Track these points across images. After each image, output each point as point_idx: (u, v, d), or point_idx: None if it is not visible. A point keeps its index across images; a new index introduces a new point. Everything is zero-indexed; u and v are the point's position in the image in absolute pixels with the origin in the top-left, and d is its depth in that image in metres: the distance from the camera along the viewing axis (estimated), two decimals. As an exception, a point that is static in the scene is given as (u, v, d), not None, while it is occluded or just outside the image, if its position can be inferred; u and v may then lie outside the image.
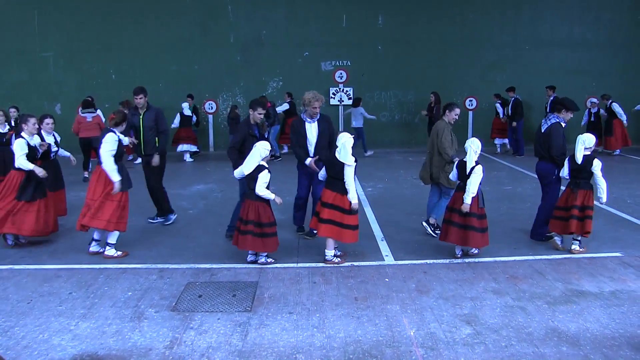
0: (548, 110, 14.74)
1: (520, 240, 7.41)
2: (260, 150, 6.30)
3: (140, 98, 8.24)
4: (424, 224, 7.70)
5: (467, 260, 6.55)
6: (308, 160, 7.21)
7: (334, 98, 16.28)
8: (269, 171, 6.32)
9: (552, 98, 14.44)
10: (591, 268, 6.28)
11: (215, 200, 10.23)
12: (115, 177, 6.63)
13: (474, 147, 6.47)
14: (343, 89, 16.37)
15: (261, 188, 6.20)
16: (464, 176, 6.48)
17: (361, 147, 14.45)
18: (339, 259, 6.54)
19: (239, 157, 6.85)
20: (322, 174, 6.71)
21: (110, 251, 6.80)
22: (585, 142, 6.64)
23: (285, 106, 15.53)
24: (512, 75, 16.56)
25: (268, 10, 16.43)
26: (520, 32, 16.73)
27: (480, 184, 6.41)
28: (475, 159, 6.44)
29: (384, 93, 16.35)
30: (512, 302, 5.36)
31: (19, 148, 7.06)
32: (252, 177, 6.25)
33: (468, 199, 6.31)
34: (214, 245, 7.28)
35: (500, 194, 10.35)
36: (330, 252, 6.51)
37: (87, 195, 6.82)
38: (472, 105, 16.16)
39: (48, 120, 7.82)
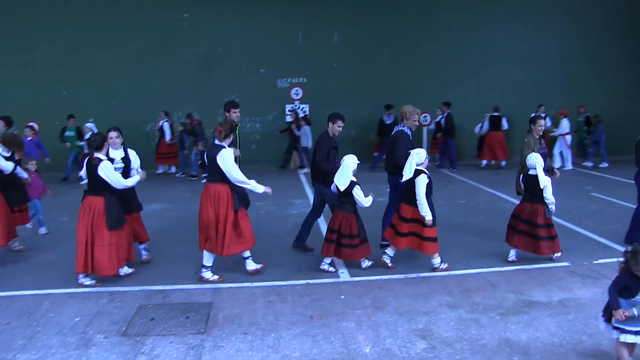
0: (443, 125, 15.31)
1: (475, 253, 7.51)
2: (351, 165, 6.55)
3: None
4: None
5: (422, 275, 6.61)
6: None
7: (289, 115, 16.29)
8: (359, 185, 6.61)
9: (446, 114, 15.18)
10: (541, 278, 6.42)
11: (169, 220, 10.06)
12: (259, 188, 6.53)
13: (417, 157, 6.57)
14: (299, 106, 16.42)
15: (363, 200, 6.54)
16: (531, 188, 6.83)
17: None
18: (446, 265, 6.76)
19: (331, 168, 7.01)
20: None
21: (207, 274, 6.59)
22: None
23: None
24: (466, 91, 16.91)
25: (224, 26, 16.38)
26: (473, 49, 17.05)
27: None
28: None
29: (340, 109, 16.33)
30: (466, 315, 5.42)
31: (112, 169, 6.44)
32: (347, 192, 6.52)
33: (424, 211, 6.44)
34: (168, 266, 7.14)
35: (454, 208, 10.48)
36: (437, 260, 6.73)
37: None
38: (426, 120, 16.36)
39: (112, 134, 6.86)
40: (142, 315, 5.53)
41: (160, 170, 15.47)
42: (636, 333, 4.06)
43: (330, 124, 7.39)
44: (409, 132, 7.45)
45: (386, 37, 16.69)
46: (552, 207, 6.83)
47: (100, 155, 6.41)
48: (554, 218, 7.06)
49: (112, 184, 6.37)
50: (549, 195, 6.76)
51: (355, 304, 5.77)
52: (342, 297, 5.97)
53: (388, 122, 15.23)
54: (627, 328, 4.07)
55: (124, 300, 5.92)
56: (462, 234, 8.49)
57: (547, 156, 7.13)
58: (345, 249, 6.58)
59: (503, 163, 15.42)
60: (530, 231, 6.84)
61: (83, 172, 6.56)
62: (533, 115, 8.28)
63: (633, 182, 7.79)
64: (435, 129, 15.95)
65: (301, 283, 6.42)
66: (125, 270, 6.65)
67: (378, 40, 16.70)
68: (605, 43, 17.52)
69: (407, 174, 6.54)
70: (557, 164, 14.77)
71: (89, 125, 13.80)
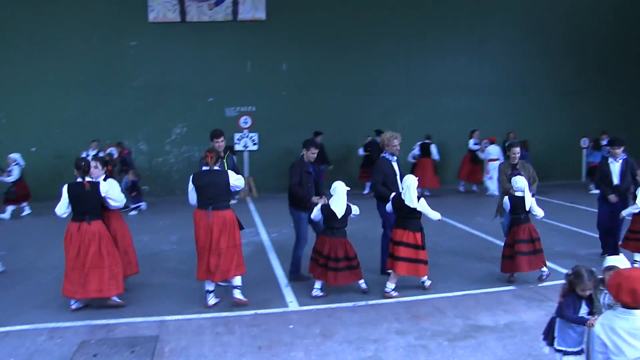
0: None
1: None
2: (344, 190, 6.79)
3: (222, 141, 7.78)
4: None
5: (370, 302, 6.62)
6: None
7: (238, 144, 16.23)
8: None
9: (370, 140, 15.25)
10: (488, 302, 6.52)
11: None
12: None
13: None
14: (248, 135, 16.38)
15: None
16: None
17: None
18: (396, 293, 6.81)
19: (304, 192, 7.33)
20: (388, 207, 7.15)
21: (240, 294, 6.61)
22: None
23: None
24: (411, 119, 17.22)
25: (172, 54, 16.26)
26: (419, 78, 17.46)
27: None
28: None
29: (289, 138, 16.44)
30: (415, 342, 5.44)
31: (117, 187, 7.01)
32: (344, 218, 6.78)
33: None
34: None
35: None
36: (391, 285, 6.84)
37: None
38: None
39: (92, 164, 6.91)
40: (84, 352, 5.32)
41: None
42: (577, 354, 4.14)
43: (305, 150, 7.56)
44: (390, 158, 7.64)
45: (335, 65, 16.90)
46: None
47: (89, 179, 6.55)
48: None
49: (115, 203, 6.75)
50: (538, 211, 7.29)
51: (304, 333, 5.72)
52: (291, 326, 5.91)
53: None
54: (569, 350, 4.15)
55: (64, 337, 5.69)
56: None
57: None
58: (343, 272, 6.69)
59: (426, 192, 15.19)
60: (534, 248, 7.19)
61: (65, 201, 6.44)
62: (508, 143, 8.65)
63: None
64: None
65: (249, 313, 6.33)
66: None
67: (327, 69, 16.90)
68: (541, 75, 18.26)
69: (409, 201, 6.70)
70: (490, 190, 15.20)
71: (12, 156, 13.22)
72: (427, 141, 15.62)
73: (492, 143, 15.58)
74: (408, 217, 6.77)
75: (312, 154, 7.52)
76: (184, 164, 16.09)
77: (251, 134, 16.43)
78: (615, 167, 8.24)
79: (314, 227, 7.50)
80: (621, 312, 3.33)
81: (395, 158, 7.67)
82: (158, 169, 16.05)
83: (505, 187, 7.96)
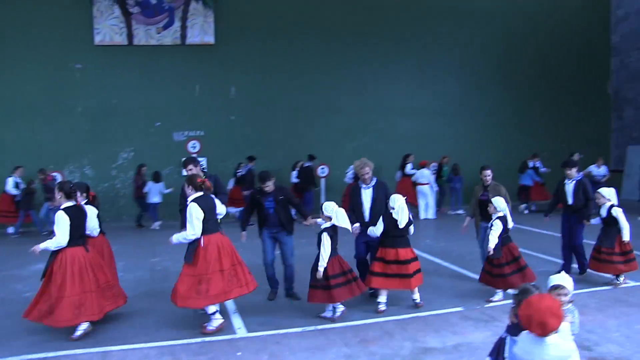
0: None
1: (371, 302, 7.53)
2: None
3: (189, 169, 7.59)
4: None
5: (319, 327, 6.56)
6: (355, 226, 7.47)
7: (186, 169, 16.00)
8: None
9: (248, 167, 15.21)
10: (436, 324, 6.56)
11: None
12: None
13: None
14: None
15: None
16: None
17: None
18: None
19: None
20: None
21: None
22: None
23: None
24: (361, 142, 17.44)
25: (119, 78, 16.01)
26: (367, 101, 17.74)
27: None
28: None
29: (239, 162, 16.34)
30: (363, 366, 5.42)
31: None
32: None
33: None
34: (52, 331, 6.60)
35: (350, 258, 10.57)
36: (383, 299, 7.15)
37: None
38: (324, 172, 16.68)
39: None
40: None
41: (9, 230, 14.30)
42: None
43: (260, 183, 7.76)
44: (361, 185, 7.81)
45: (285, 89, 17.01)
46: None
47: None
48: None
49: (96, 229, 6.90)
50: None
51: (252, 360, 5.62)
52: (239, 353, 5.80)
53: (240, 173, 15.32)
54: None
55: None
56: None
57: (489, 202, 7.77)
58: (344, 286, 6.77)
59: None
60: (519, 266, 7.45)
61: (67, 226, 6.28)
62: (482, 166, 8.93)
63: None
64: None
65: (196, 341, 6.18)
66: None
67: (276, 93, 16.98)
68: (479, 100, 18.88)
69: (403, 220, 7.06)
70: (421, 215, 15.52)
71: None
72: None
73: (422, 167, 15.85)
74: (400, 235, 7.08)
75: (265, 187, 7.65)
76: (130, 189, 15.76)
77: (200, 159, 16.21)
78: (569, 188, 8.78)
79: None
80: (535, 339, 3.36)
81: (369, 185, 7.75)
82: (104, 195, 15.66)
83: (473, 212, 8.65)
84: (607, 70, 20.71)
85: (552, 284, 4.27)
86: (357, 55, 17.61)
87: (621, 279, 8.21)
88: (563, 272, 4.46)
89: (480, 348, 5.73)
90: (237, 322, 6.87)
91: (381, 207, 7.65)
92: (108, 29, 15.87)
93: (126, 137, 16.08)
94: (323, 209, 6.91)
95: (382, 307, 7.08)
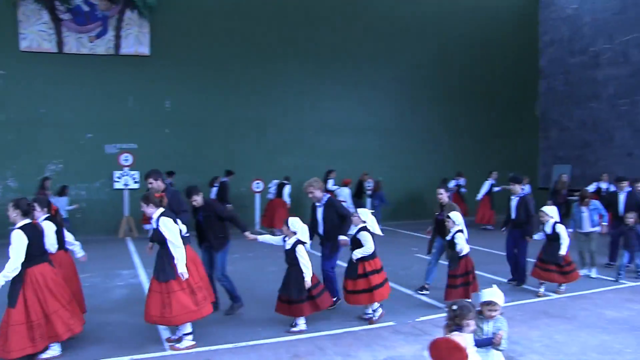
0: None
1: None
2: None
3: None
4: None
5: (250, 343, 6.46)
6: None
7: (119, 182, 15.60)
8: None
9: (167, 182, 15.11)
10: (367, 339, 6.57)
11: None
12: None
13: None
14: (129, 173, 15.77)
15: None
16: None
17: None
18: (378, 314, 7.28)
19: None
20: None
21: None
22: None
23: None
24: (295, 157, 17.44)
25: (47, 86, 15.39)
26: (302, 118, 17.81)
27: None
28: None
29: (174, 176, 16.03)
30: (294, 381, 5.35)
31: None
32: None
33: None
34: None
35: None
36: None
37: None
38: (258, 187, 16.59)
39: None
40: None
41: None
42: None
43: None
44: (315, 204, 7.94)
45: (221, 103, 16.87)
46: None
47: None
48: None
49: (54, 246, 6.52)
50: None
51: (180, 378, 5.46)
52: (167, 371, 5.63)
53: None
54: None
55: None
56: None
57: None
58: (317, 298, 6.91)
59: (277, 232, 15.30)
60: (467, 280, 7.74)
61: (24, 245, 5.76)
62: (438, 186, 9.23)
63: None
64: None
65: (123, 359, 5.97)
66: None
67: (212, 107, 16.80)
68: (411, 118, 19.40)
69: (376, 230, 7.32)
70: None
71: None
72: (284, 181, 15.86)
73: (345, 185, 15.99)
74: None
75: (193, 201, 7.62)
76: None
77: (132, 172, 15.84)
78: (513, 203, 9.37)
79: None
80: None
81: (320, 204, 7.89)
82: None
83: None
84: (536, 92, 21.62)
85: (483, 300, 4.36)
86: (294, 71, 17.72)
87: (562, 288, 8.77)
88: (495, 287, 4.53)
89: (411, 362, 5.79)
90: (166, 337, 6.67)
91: (332, 225, 7.74)
92: (35, 35, 15.23)
93: (55, 149, 15.46)
94: (289, 225, 6.94)
95: None
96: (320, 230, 7.90)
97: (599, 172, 15.61)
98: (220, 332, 6.82)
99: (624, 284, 9.52)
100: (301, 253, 6.79)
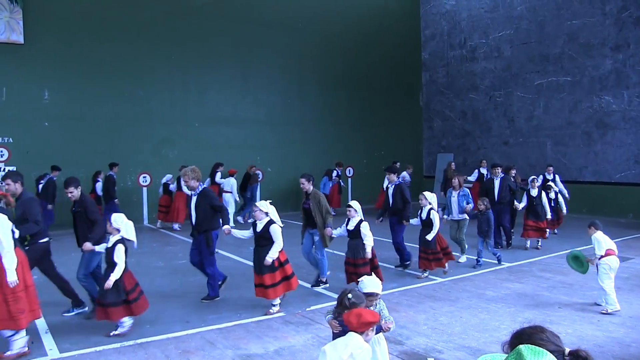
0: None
1: (192, 312, 7.42)
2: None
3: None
4: None
5: (138, 341, 6.29)
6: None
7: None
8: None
9: (49, 177, 14.61)
10: (258, 331, 6.60)
11: None
12: None
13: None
14: (4, 168, 14.76)
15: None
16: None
17: None
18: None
19: None
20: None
21: None
22: None
23: None
24: (182, 150, 17.10)
25: None
26: (189, 110, 17.47)
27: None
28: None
29: (57, 172, 15.18)
30: (183, 378, 5.28)
31: None
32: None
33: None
34: None
35: (174, 269, 10.33)
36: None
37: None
38: (146, 181, 16.12)
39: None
40: None
41: None
42: None
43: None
44: (191, 193, 8.06)
45: (103, 95, 16.11)
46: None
47: None
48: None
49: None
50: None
51: (62, 383, 5.23)
52: (47, 377, 5.37)
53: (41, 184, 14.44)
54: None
55: None
56: (181, 295, 8.36)
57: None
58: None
59: (175, 226, 15.37)
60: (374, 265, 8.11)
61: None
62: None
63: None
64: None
65: (-3, 368, 5.62)
66: None
67: (94, 99, 16.00)
68: (304, 109, 19.64)
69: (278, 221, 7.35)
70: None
71: None
72: (166, 179, 15.69)
73: (231, 175, 16.03)
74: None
75: (69, 193, 7.28)
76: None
77: (8, 168, 14.82)
78: (390, 191, 9.91)
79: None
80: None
81: (194, 193, 7.93)
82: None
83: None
84: (419, 84, 22.52)
85: (366, 291, 4.40)
86: (179, 63, 17.32)
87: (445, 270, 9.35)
88: (373, 275, 4.65)
89: (302, 351, 5.89)
90: (49, 343, 6.35)
91: (205, 214, 7.65)
92: None
93: None
94: (112, 221, 6.62)
95: None
96: (193, 220, 7.88)
97: (479, 160, 16.52)
98: (105, 332, 6.57)
99: (503, 265, 10.17)
100: (120, 253, 6.46)
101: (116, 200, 14.79)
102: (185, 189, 15.13)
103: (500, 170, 11.91)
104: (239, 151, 17.77)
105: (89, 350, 6.05)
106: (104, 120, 16.14)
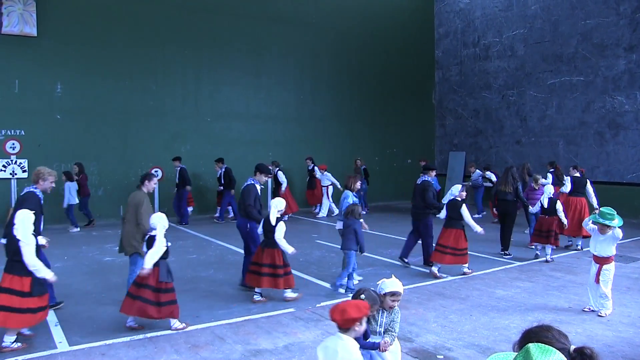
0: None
1: (202, 307, 7.43)
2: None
3: None
4: None
5: (148, 335, 6.30)
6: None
7: (4, 171, 14.62)
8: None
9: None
10: (268, 326, 6.60)
11: None
12: None
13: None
14: (16, 161, 14.81)
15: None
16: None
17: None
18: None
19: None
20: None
21: None
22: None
23: None
24: (195, 145, 17.11)
25: None
26: (201, 105, 17.48)
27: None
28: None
29: (64, 165, 15.24)
30: (193, 372, 5.29)
31: None
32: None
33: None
34: None
35: (185, 263, 10.35)
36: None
37: None
38: (157, 175, 16.14)
39: None
40: None
41: None
42: None
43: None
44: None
45: (116, 89, 16.10)
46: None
47: None
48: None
49: None
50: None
51: (72, 375, 5.25)
52: (58, 369, 5.39)
53: None
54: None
55: None
56: (191, 290, 8.38)
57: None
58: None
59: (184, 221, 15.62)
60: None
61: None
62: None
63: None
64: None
65: (15, 359, 5.64)
66: None
67: (107, 93, 15.99)
68: (317, 106, 19.58)
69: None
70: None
71: None
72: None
73: (325, 170, 16.81)
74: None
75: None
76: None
77: (20, 160, 14.87)
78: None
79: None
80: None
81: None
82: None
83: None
84: (432, 82, 22.42)
85: (388, 290, 4.31)
86: (192, 58, 17.27)
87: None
88: (393, 277, 4.46)
89: (311, 347, 5.87)
90: (58, 336, 6.37)
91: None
92: None
93: None
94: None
95: None
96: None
97: (491, 159, 16.43)
98: (116, 327, 6.59)
99: (513, 263, 10.15)
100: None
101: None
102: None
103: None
104: (250, 147, 17.77)
105: (99, 344, 6.07)
106: (116, 114, 16.16)
